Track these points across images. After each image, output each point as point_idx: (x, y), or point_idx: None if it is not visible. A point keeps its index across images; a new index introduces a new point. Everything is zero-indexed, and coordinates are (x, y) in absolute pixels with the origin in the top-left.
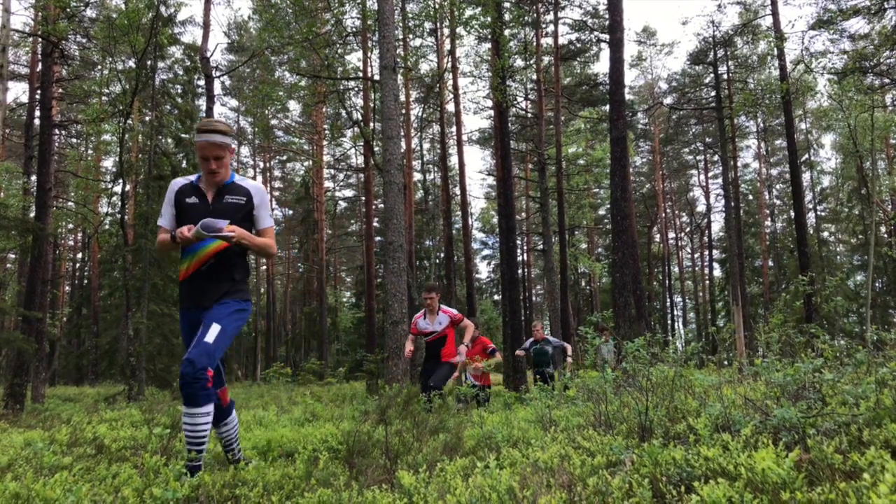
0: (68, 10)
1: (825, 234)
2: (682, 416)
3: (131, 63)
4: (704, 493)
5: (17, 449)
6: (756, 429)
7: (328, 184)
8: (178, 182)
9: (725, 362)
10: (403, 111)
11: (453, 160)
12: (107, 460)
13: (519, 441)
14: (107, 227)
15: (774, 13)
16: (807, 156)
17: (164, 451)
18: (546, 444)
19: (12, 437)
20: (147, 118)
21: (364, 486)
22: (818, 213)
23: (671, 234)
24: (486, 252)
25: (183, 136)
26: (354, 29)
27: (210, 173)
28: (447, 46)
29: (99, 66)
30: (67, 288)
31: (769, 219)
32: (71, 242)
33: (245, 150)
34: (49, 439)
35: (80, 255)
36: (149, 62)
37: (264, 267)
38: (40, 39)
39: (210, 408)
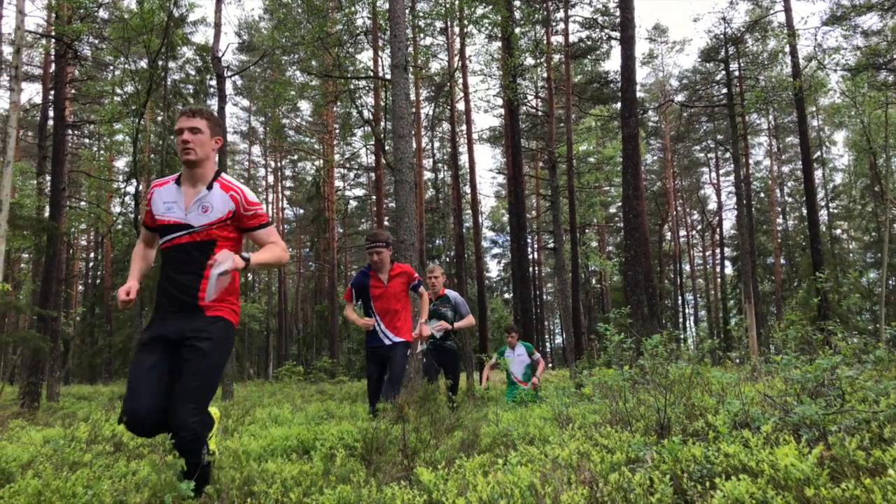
0: (82, 10)
1: (838, 231)
2: (700, 414)
3: (143, 63)
4: (727, 489)
5: (37, 446)
6: (776, 426)
7: (338, 183)
8: None
9: (738, 360)
10: (414, 110)
11: (463, 158)
12: (125, 457)
13: (535, 438)
14: (119, 226)
15: (787, 9)
16: (819, 153)
17: None
18: (565, 442)
19: (31, 434)
20: (159, 118)
21: (383, 483)
22: (831, 210)
23: (682, 232)
24: (496, 251)
25: None
26: (365, 28)
27: None
28: (457, 45)
29: (111, 67)
30: (81, 287)
31: (781, 216)
32: (84, 242)
33: (256, 150)
34: (70, 437)
35: (92, 255)
36: (160, 62)
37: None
38: (53, 40)
39: None
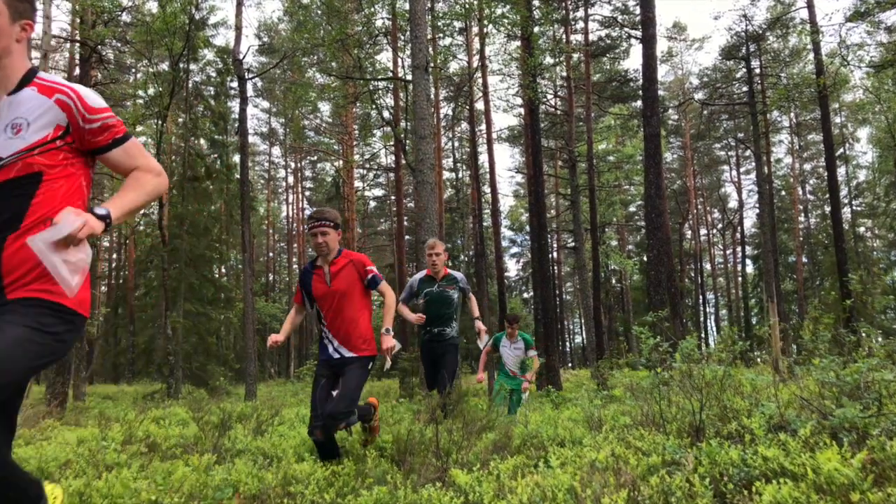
0: (106, 14)
1: (861, 229)
2: (733, 416)
3: (164, 66)
4: (769, 493)
5: (73, 446)
6: (814, 429)
7: (358, 183)
8: None
9: (762, 361)
10: (433, 110)
11: (482, 158)
12: (159, 458)
13: (565, 440)
14: (141, 228)
15: (809, 6)
16: (842, 150)
17: (214, 450)
18: (599, 444)
19: (65, 434)
20: (181, 120)
21: (418, 485)
22: (854, 208)
23: (703, 231)
24: (515, 250)
25: (216, 137)
26: (385, 29)
27: None
28: (476, 45)
29: (134, 70)
30: (104, 288)
31: (803, 214)
32: (107, 243)
33: (276, 151)
34: (110, 438)
35: (115, 256)
36: (182, 65)
37: (295, 266)
38: (78, 44)
39: None
